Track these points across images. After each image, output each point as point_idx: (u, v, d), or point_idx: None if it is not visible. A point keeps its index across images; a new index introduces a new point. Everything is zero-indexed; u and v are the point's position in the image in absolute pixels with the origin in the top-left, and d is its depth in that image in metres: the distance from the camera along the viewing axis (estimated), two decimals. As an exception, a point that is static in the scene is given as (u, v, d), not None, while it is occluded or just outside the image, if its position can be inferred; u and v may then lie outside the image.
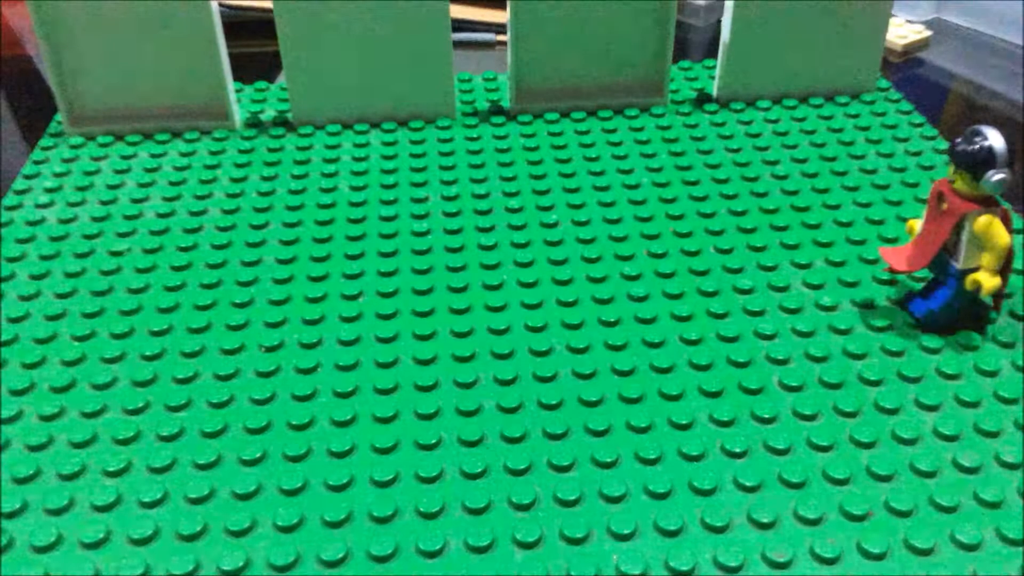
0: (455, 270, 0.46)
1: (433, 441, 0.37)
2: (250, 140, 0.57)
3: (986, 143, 0.38)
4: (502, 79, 0.64)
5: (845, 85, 0.61)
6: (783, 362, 0.40)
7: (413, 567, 0.32)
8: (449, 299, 0.44)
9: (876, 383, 0.39)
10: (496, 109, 0.61)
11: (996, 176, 0.38)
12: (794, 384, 0.39)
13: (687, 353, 0.41)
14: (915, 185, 0.52)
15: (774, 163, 0.54)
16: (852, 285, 0.45)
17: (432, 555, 0.33)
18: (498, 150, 0.56)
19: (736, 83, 0.60)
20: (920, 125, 0.58)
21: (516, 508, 0.34)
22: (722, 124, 0.58)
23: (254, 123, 0.59)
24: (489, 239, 0.48)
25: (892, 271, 0.42)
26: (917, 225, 0.42)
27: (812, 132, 0.57)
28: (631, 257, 0.47)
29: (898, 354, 0.41)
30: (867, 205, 0.50)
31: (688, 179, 0.53)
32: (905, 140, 0.57)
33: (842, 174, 0.53)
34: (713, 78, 0.62)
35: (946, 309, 0.41)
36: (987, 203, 0.39)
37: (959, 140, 0.39)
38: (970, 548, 0.33)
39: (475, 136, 0.57)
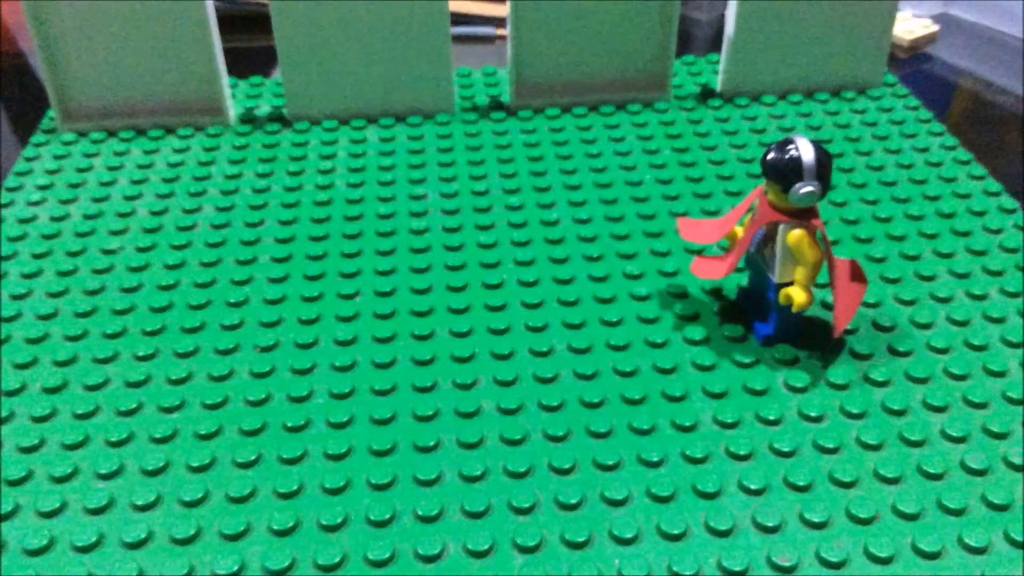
0: (454, 269, 0.46)
1: (432, 444, 0.36)
2: (245, 136, 0.57)
3: (794, 154, 0.37)
4: (502, 74, 0.64)
5: (851, 80, 0.61)
6: (789, 363, 0.40)
7: (412, 571, 0.32)
8: (448, 299, 0.44)
9: (883, 384, 0.39)
10: (496, 104, 0.60)
11: (804, 189, 0.37)
12: (799, 385, 0.39)
13: (690, 354, 0.40)
14: (922, 182, 0.52)
15: (779, 159, 0.54)
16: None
17: (431, 559, 0.33)
18: (498, 146, 0.56)
19: (740, 78, 0.60)
20: (927, 121, 0.58)
21: (516, 512, 0.34)
22: (726, 119, 0.58)
23: (249, 119, 0.59)
24: (489, 237, 0.48)
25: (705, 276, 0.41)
26: (740, 232, 0.41)
27: (818, 128, 0.57)
28: (634, 255, 0.47)
29: (905, 355, 0.40)
30: (874, 202, 0.50)
31: (692, 175, 0.53)
32: (912, 136, 0.56)
33: (848, 171, 0.53)
34: (717, 73, 0.62)
35: (782, 329, 0.40)
36: (802, 216, 0.38)
37: (771, 149, 0.38)
38: (978, 551, 0.33)
39: (474, 132, 0.57)
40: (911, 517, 0.34)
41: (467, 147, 0.56)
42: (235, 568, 0.32)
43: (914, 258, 0.46)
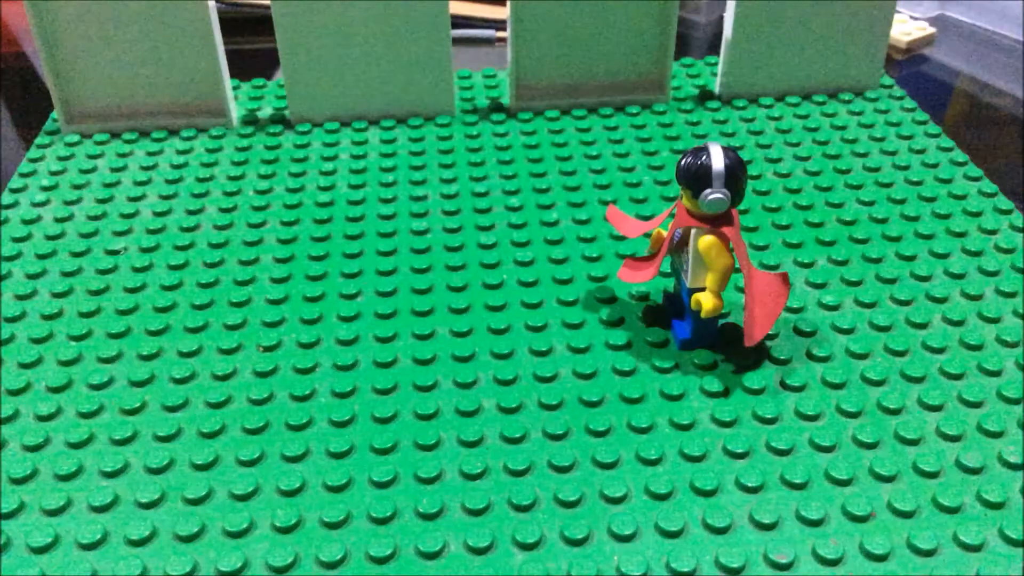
0: (455, 269, 0.46)
1: (432, 442, 0.37)
2: (247, 138, 0.57)
3: (705, 161, 0.37)
4: (502, 76, 0.64)
5: (848, 82, 0.61)
6: (785, 362, 0.40)
7: (413, 568, 0.32)
8: (449, 298, 0.44)
9: (879, 383, 0.39)
10: (496, 106, 0.61)
11: (711, 196, 0.37)
12: (796, 384, 0.39)
13: (689, 353, 0.41)
14: (919, 183, 0.52)
15: (776, 160, 0.54)
16: (855, 284, 0.45)
17: (432, 556, 0.33)
18: (498, 148, 0.56)
19: (739, 80, 0.60)
20: (924, 122, 0.58)
21: (516, 509, 0.34)
22: (724, 121, 0.58)
23: (251, 121, 0.59)
24: (489, 238, 0.48)
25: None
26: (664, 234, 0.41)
27: (815, 129, 0.57)
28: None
29: (901, 354, 0.41)
30: (870, 203, 0.51)
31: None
32: (909, 137, 0.57)
33: (845, 172, 0.53)
34: (715, 75, 0.62)
35: (698, 333, 0.40)
36: (715, 222, 0.38)
37: (685, 155, 0.38)
38: (973, 549, 0.33)
39: (475, 134, 0.58)
40: (907, 514, 0.34)
41: (467, 148, 0.56)
42: (238, 565, 0.32)
43: (910, 258, 0.46)
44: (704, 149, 0.37)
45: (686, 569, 0.32)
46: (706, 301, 0.38)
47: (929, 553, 0.33)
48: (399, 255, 0.47)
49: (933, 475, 0.35)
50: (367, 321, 0.43)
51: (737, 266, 0.42)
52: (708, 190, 0.37)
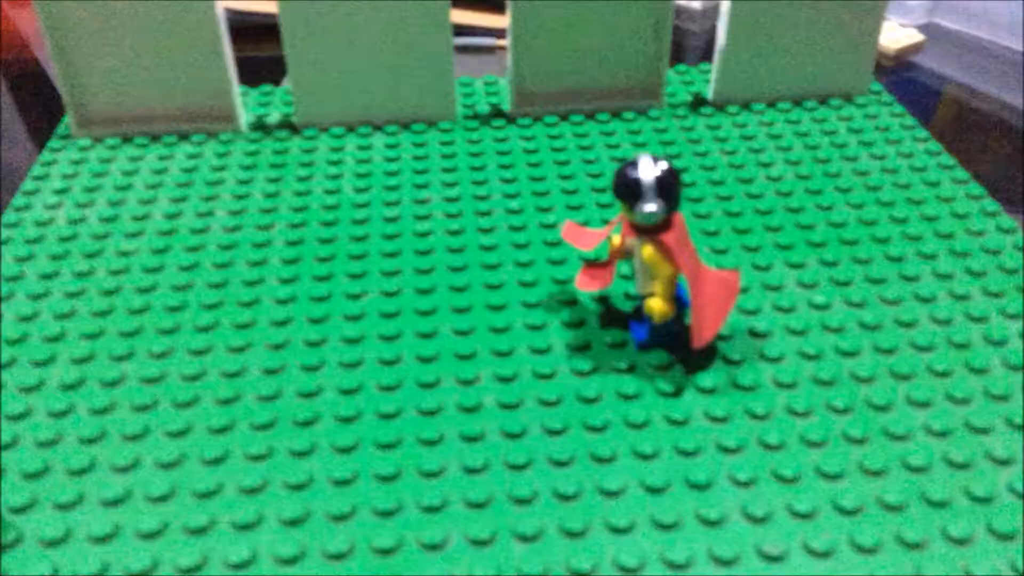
0: (457, 270, 0.46)
1: (435, 437, 0.37)
2: (256, 143, 0.58)
3: (635, 175, 0.37)
4: (502, 83, 0.65)
5: (839, 88, 0.61)
6: (777, 360, 0.40)
7: (416, 559, 0.33)
8: (451, 298, 0.44)
9: (868, 380, 0.39)
10: (496, 112, 0.61)
11: (643, 208, 0.37)
12: (787, 381, 0.39)
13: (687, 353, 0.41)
14: (907, 187, 0.52)
15: (768, 165, 0.55)
16: (845, 284, 0.45)
17: (435, 548, 0.33)
18: (499, 152, 0.56)
19: (732, 86, 0.60)
20: (912, 128, 0.58)
21: (517, 502, 0.34)
22: (718, 127, 0.59)
23: (259, 126, 0.59)
24: (490, 240, 0.48)
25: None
26: (617, 240, 0.41)
27: (806, 135, 0.58)
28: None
29: (890, 352, 0.41)
30: (859, 206, 0.51)
31: (685, 180, 0.53)
32: (897, 142, 0.57)
33: (835, 176, 0.53)
34: (709, 82, 0.63)
35: (653, 336, 0.40)
36: (653, 232, 0.38)
37: (619, 169, 0.37)
38: (960, 542, 0.33)
39: (476, 139, 0.58)
40: (896, 508, 0.34)
41: (469, 153, 0.56)
42: (247, 556, 0.33)
43: (898, 259, 0.47)
44: (634, 162, 0.37)
45: (680, 560, 0.32)
46: (656, 306, 0.39)
47: (917, 546, 0.33)
48: (403, 256, 0.47)
49: (922, 470, 0.35)
50: (372, 320, 0.43)
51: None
52: (640, 203, 0.37)
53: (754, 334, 0.42)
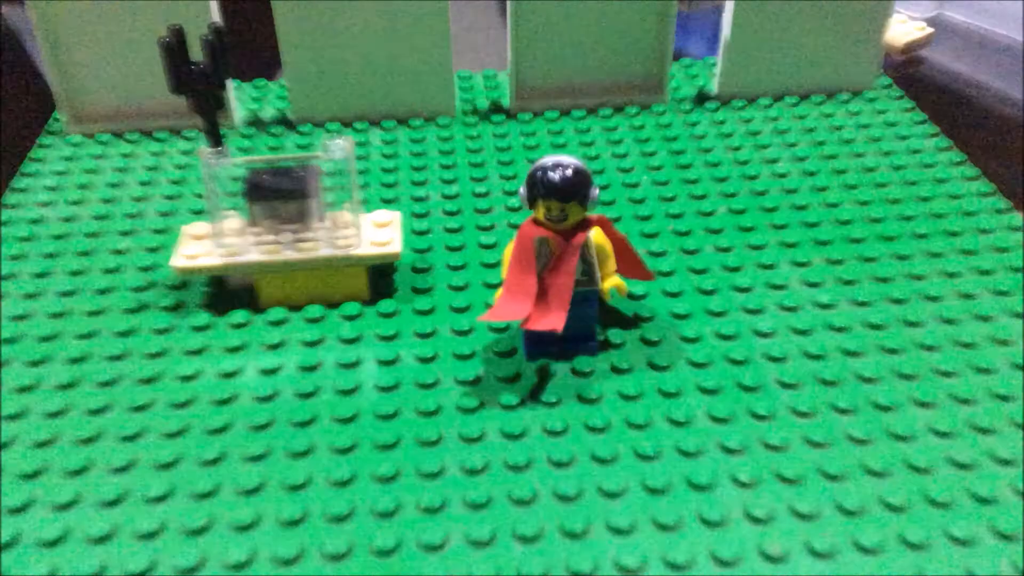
0: (455, 269, 0.47)
1: (434, 438, 0.38)
2: (249, 139, 0.58)
3: (572, 167, 0.38)
4: (502, 77, 0.65)
5: (846, 82, 0.62)
6: (781, 360, 0.41)
7: (416, 560, 0.34)
8: (450, 298, 0.45)
9: (872, 380, 0.40)
10: (496, 107, 0.62)
11: (596, 192, 0.39)
12: (791, 381, 0.40)
13: (686, 352, 0.42)
14: (914, 183, 0.53)
15: (774, 161, 0.55)
16: (850, 284, 0.46)
17: (434, 549, 0.34)
18: (498, 148, 0.57)
19: (736, 81, 0.61)
20: (922, 122, 0.59)
21: (516, 503, 0.35)
22: (722, 122, 0.60)
23: (253, 121, 0.60)
24: (489, 238, 0.49)
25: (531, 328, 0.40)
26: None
27: (812, 130, 0.58)
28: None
29: (895, 352, 0.42)
30: (866, 203, 0.52)
31: (688, 178, 0.54)
32: (906, 138, 0.58)
33: (842, 172, 0.54)
34: (713, 76, 0.63)
35: (537, 342, 0.41)
36: (587, 225, 0.39)
37: (550, 175, 0.38)
38: (964, 543, 0.34)
39: (475, 135, 0.59)
40: (898, 509, 0.35)
41: (468, 149, 0.57)
42: (245, 558, 0.34)
43: (905, 258, 0.48)
44: (558, 162, 0.38)
45: (681, 561, 0.33)
46: (618, 281, 0.41)
47: (920, 547, 0.34)
48: (402, 254, 0.48)
49: (926, 471, 0.37)
50: (370, 320, 0.44)
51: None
52: (592, 189, 0.39)
53: (759, 334, 0.43)
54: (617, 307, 0.44)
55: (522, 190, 0.39)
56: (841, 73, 0.62)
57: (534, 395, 0.40)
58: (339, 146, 0.42)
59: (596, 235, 0.40)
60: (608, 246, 0.40)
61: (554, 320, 0.39)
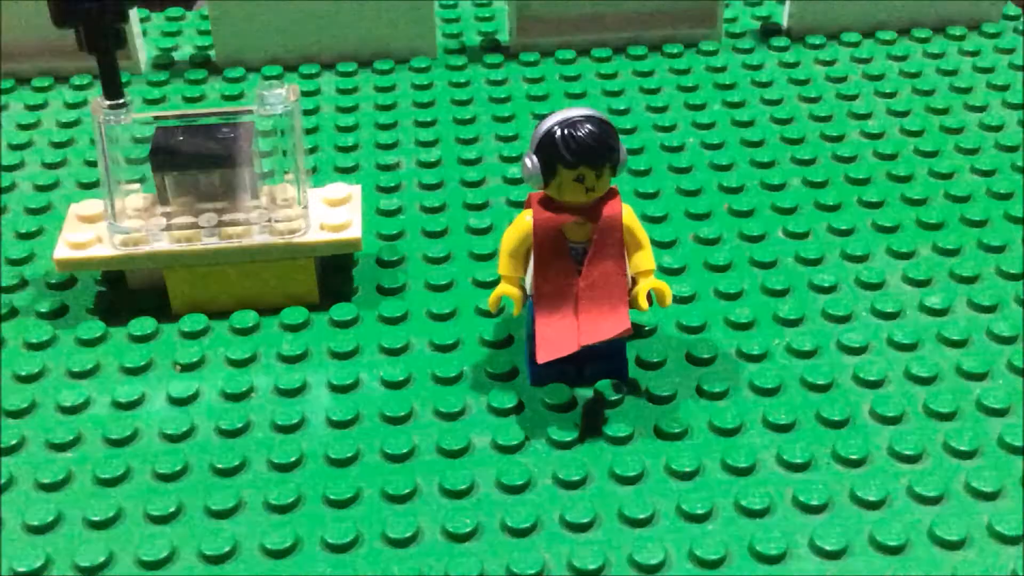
0: (436, 261, 0.47)
1: (406, 491, 0.37)
2: (159, 86, 0.58)
3: (595, 121, 0.37)
4: (499, 5, 0.65)
5: (961, 12, 0.61)
6: (876, 384, 0.41)
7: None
8: (428, 301, 0.45)
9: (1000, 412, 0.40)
10: (491, 45, 0.61)
11: (624, 153, 0.38)
12: (891, 414, 0.39)
13: (748, 373, 0.41)
14: (1052, 144, 0.53)
15: (864, 117, 0.55)
16: (968, 282, 0.45)
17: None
18: (493, 100, 0.57)
19: (815, 10, 0.61)
20: (1061, 62, 0.59)
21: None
22: (795, 65, 0.59)
23: (165, 63, 0.60)
24: (481, 220, 0.49)
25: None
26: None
27: (916, 75, 0.58)
28: (674, 243, 0.47)
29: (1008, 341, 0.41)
30: (989, 173, 0.51)
31: (749, 139, 0.53)
32: (1041, 86, 0.57)
33: (956, 132, 0.54)
34: (783, 3, 0.63)
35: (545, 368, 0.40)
36: (614, 194, 0.39)
37: (574, 132, 0.37)
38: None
39: (463, 81, 0.58)
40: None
41: (453, 101, 0.57)
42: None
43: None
44: (577, 117, 0.37)
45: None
46: (663, 283, 0.39)
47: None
48: (363, 242, 0.47)
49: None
50: (319, 330, 0.44)
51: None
52: (619, 149, 0.38)
53: (847, 349, 0.42)
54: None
55: (529, 159, 0.38)
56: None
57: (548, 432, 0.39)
58: (278, 97, 0.42)
59: (627, 213, 0.39)
60: (640, 230, 0.39)
61: (620, 320, 0.39)
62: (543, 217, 0.38)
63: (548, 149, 0.37)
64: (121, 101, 0.42)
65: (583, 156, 0.37)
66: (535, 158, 0.37)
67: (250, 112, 0.43)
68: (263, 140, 0.43)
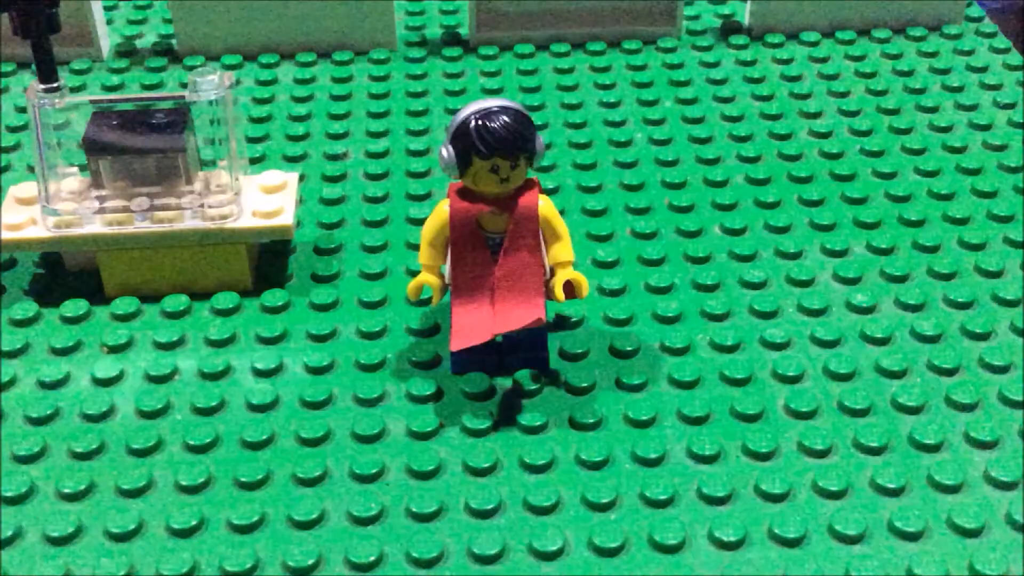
0: (372, 250, 0.47)
1: (316, 474, 0.37)
2: (120, 74, 0.58)
3: (511, 112, 0.37)
4: (462, -2, 0.65)
5: (922, 13, 0.61)
6: (792, 380, 0.41)
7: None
8: (360, 288, 0.45)
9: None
10: (452, 38, 0.61)
11: (541, 142, 0.38)
12: (805, 410, 0.39)
13: (667, 367, 0.41)
14: (1001, 148, 0.52)
15: (814, 116, 0.55)
16: (899, 280, 0.45)
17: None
18: (448, 92, 0.57)
19: (776, 9, 0.60)
20: (1018, 68, 0.58)
21: (417, 564, 0.35)
22: (751, 63, 0.59)
23: (127, 51, 0.60)
24: (422, 211, 0.48)
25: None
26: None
27: (871, 75, 0.58)
28: (610, 236, 0.47)
29: (932, 340, 0.42)
30: (932, 174, 0.51)
31: (697, 135, 0.53)
32: (996, 88, 0.57)
33: (905, 132, 0.54)
34: (746, 1, 0.62)
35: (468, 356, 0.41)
36: (532, 185, 0.39)
37: (487, 124, 0.37)
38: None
39: (419, 73, 0.58)
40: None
41: (408, 93, 0.57)
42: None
43: (977, 248, 0.47)
44: (491, 108, 0.38)
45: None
46: (579, 275, 0.39)
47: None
48: (302, 232, 0.48)
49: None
50: (249, 315, 0.44)
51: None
52: (536, 138, 0.38)
53: (771, 344, 0.42)
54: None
55: (445, 149, 0.38)
56: (916, 0, 0.61)
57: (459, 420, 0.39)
58: (211, 82, 0.42)
59: (545, 205, 0.39)
60: (559, 221, 0.40)
61: (533, 310, 0.39)
62: (459, 207, 0.39)
63: (463, 139, 0.37)
64: (55, 85, 0.42)
65: (497, 147, 0.37)
66: (451, 148, 0.38)
67: (183, 98, 0.43)
68: (202, 127, 0.43)
